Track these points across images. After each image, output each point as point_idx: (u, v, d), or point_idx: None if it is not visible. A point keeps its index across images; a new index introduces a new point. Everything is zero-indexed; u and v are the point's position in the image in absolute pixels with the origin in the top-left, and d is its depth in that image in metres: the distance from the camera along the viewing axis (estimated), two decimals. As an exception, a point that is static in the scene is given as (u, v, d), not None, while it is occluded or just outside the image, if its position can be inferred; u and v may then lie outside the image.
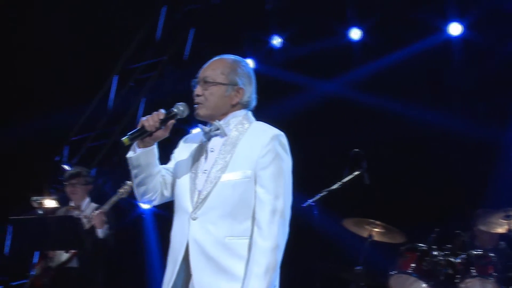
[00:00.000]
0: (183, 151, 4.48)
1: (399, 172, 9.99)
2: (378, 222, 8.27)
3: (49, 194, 8.85)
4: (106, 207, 8.48)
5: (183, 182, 4.35)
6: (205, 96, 4.36)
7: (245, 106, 4.45)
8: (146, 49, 11.18)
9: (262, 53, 11.12)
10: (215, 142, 4.36)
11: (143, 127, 4.24)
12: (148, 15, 11.18)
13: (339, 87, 10.58)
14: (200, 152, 4.38)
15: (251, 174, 4.25)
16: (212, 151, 4.34)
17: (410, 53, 10.26)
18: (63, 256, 8.63)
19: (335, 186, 7.95)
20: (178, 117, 4.35)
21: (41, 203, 8.37)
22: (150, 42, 11.20)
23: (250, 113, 4.47)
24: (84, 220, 8.51)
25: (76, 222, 8.31)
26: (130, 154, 4.34)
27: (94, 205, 8.69)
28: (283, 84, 10.76)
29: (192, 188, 4.29)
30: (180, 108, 4.36)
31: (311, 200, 7.92)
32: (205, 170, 4.30)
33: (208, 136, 4.38)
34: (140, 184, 4.40)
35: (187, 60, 11.01)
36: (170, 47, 10.99)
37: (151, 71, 11.11)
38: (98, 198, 9.13)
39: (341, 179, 7.97)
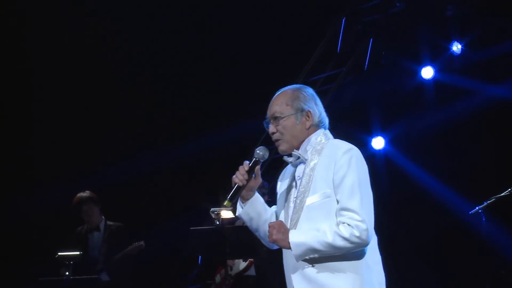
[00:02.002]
0: (280, 186, 4.70)
1: None
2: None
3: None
4: None
5: (281, 214, 4.56)
6: (280, 131, 4.52)
7: (319, 126, 4.58)
8: (328, 60, 11.38)
9: (441, 60, 11.03)
10: (300, 170, 4.53)
11: (235, 184, 4.44)
12: (329, 27, 11.40)
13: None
14: (291, 182, 4.57)
15: (330, 192, 4.36)
16: (299, 178, 4.51)
17: None
18: (242, 264, 9.00)
19: (504, 193, 7.84)
20: (262, 161, 4.50)
21: (218, 214, 8.71)
22: (331, 54, 11.39)
23: (326, 132, 4.60)
24: (259, 230, 8.83)
25: (251, 231, 8.64)
26: (239, 212, 4.57)
27: (269, 215, 8.96)
28: (460, 89, 10.65)
29: (286, 217, 4.48)
30: (259, 153, 4.49)
31: (478, 207, 7.86)
32: (295, 198, 4.48)
33: (295, 165, 4.56)
34: (259, 235, 4.63)
35: (366, 70, 11.13)
36: (350, 58, 11.12)
37: (332, 83, 11.27)
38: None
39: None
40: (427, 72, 11.04)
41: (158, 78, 11.81)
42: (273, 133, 4.53)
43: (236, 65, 11.47)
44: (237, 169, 4.48)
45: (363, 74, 11.17)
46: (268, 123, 4.60)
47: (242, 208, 4.54)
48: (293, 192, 4.52)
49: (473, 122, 10.46)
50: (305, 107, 4.57)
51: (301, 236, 4.32)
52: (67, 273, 9.07)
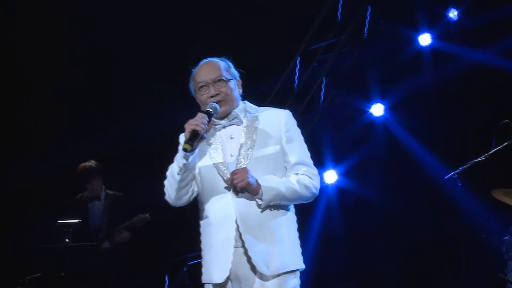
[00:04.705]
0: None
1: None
2: (529, 192, 8.19)
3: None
4: None
5: (210, 172, 4.71)
6: (224, 92, 4.76)
7: (242, 96, 4.92)
8: (328, 29, 11.49)
9: (438, 27, 11.09)
10: (232, 130, 4.80)
11: (195, 131, 4.51)
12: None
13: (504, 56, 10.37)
14: (214, 142, 4.77)
15: (279, 148, 4.72)
16: (232, 138, 4.76)
17: None
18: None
19: (481, 158, 7.97)
20: (214, 114, 4.68)
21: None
22: (331, 23, 11.50)
23: (248, 102, 4.94)
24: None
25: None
26: (188, 159, 4.60)
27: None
28: (457, 56, 10.72)
29: (224, 172, 4.66)
30: (215, 107, 4.69)
31: (454, 172, 8.00)
32: (232, 155, 4.71)
33: (221, 128, 4.80)
34: (184, 186, 4.70)
35: (366, 38, 11.23)
36: (349, 26, 11.22)
37: (332, 51, 11.38)
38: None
39: (489, 151, 7.96)
40: (425, 39, 11.12)
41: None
42: (217, 94, 4.75)
43: (237, 33, 11.61)
44: (194, 118, 4.57)
45: (362, 42, 11.27)
46: (203, 87, 4.80)
47: (188, 159, 4.58)
48: (225, 151, 4.72)
49: (468, 88, 10.56)
50: (237, 75, 4.94)
51: (270, 182, 4.60)
52: (67, 240, 9.42)
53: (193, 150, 4.56)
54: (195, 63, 4.97)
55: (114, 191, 10.19)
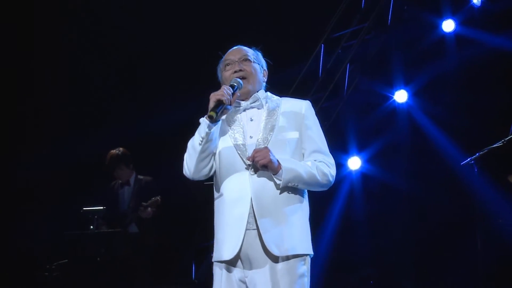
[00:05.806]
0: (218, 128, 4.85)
1: None
2: (545, 177, 8.17)
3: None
4: None
5: (229, 151, 4.78)
6: (248, 71, 4.90)
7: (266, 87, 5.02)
8: (352, 16, 11.56)
9: (461, 12, 11.04)
10: (253, 113, 4.90)
11: (221, 101, 4.63)
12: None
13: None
14: (235, 123, 4.86)
15: (298, 135, 4.81)
16: (252, 120, 4.86)
17: None
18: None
19: (497, 144, 7.95)
20: (238, 88, 4.81)
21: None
22: (355, 10, 11.57)
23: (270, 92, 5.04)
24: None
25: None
26: (211, 128, 4.67)
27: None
28: (481, 42, 10.68)
29: (243, 152, 4.74)
30: (239, 81, 4.81)
31: (470, 158, 7.99)
32: (251, 136, 4.79)
33: (241, 110, 4.89)
34: (204, 158, 4.76)
35: (389, 25, 11.25)
36: (373, 13, 11.25)
37: (356, 38, 11.45)
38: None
39: (506, 137, 7.94)
40: (448, 25, 11.09)
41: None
42: (241, 70, 4.89)
43: (261, 20, 11.69)
44: (219, 89, 4.70)
45: (386, 29, 11.29)
46: (229, 64, 4.95)
47: (211, 128, 4.65)
48: (245, 132, 4.80)
49: (492, 74, 10.52)
50: (265, 65, 5.06)
51: (290, 163, 4.68)
52: (91, 227, 9.60)
53: (216, 120, 4.64)
54: (222, 49, 5.10)
55: (145, 176, 10.30)
